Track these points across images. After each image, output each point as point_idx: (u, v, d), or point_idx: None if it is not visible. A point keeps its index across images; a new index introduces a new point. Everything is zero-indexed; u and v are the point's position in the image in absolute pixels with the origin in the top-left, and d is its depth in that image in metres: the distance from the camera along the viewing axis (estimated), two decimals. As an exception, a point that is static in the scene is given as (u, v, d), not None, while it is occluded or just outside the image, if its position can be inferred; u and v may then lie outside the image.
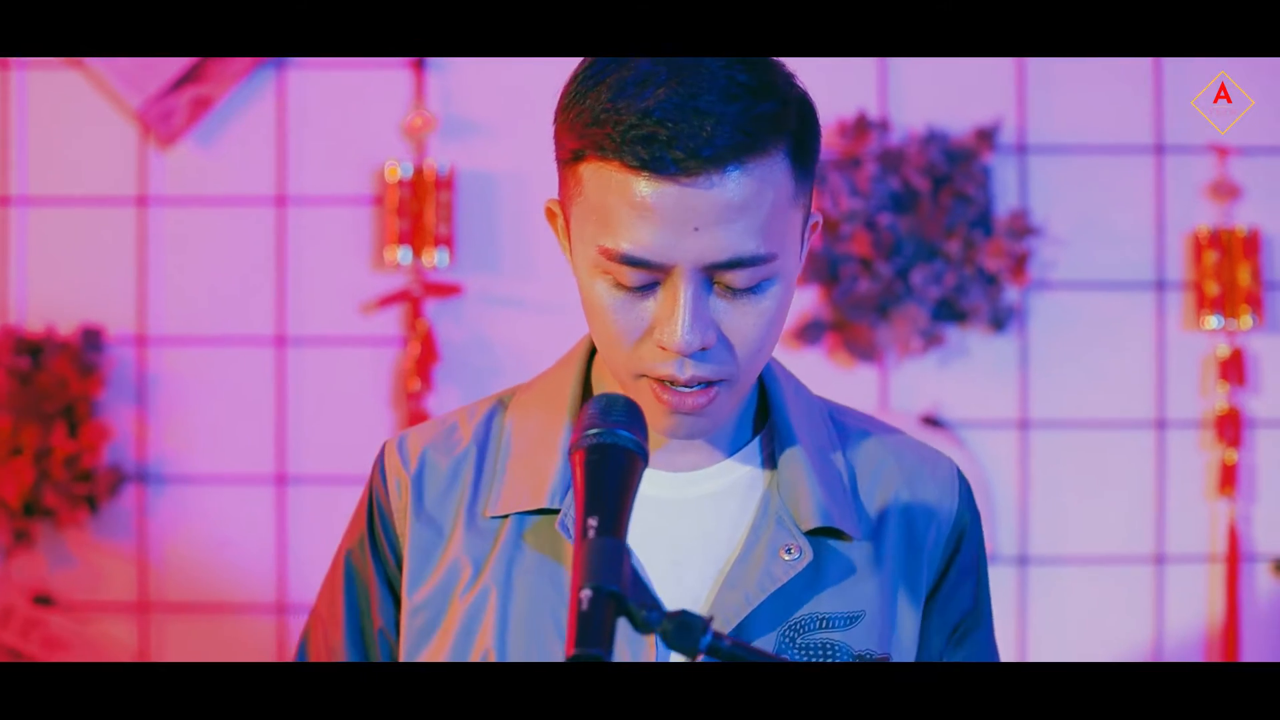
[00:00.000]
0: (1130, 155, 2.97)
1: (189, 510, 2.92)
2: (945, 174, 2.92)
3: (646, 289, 1.42)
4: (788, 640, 1.47)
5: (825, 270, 2.92)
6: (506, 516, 1.52)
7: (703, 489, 1.53)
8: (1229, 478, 2.95)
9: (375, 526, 1.57)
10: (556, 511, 1.51)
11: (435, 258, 2.88)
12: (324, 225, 2.92)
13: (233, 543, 2.91)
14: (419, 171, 2.88)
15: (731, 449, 1.54)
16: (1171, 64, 2.95)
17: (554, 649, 1.48)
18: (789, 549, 1.48)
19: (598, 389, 1.57)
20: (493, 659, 1.48)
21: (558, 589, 1.49)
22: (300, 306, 2.92)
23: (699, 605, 1.48)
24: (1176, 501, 2.98)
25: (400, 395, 2.91)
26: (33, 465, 2.84)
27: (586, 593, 1.19)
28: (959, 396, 2.96)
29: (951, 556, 1.56)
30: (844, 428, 1.59)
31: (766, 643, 1.47)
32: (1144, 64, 2.95)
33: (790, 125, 1.41)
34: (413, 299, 2.89)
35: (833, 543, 1.51)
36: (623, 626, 1.45)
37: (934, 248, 2.92)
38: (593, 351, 1.60)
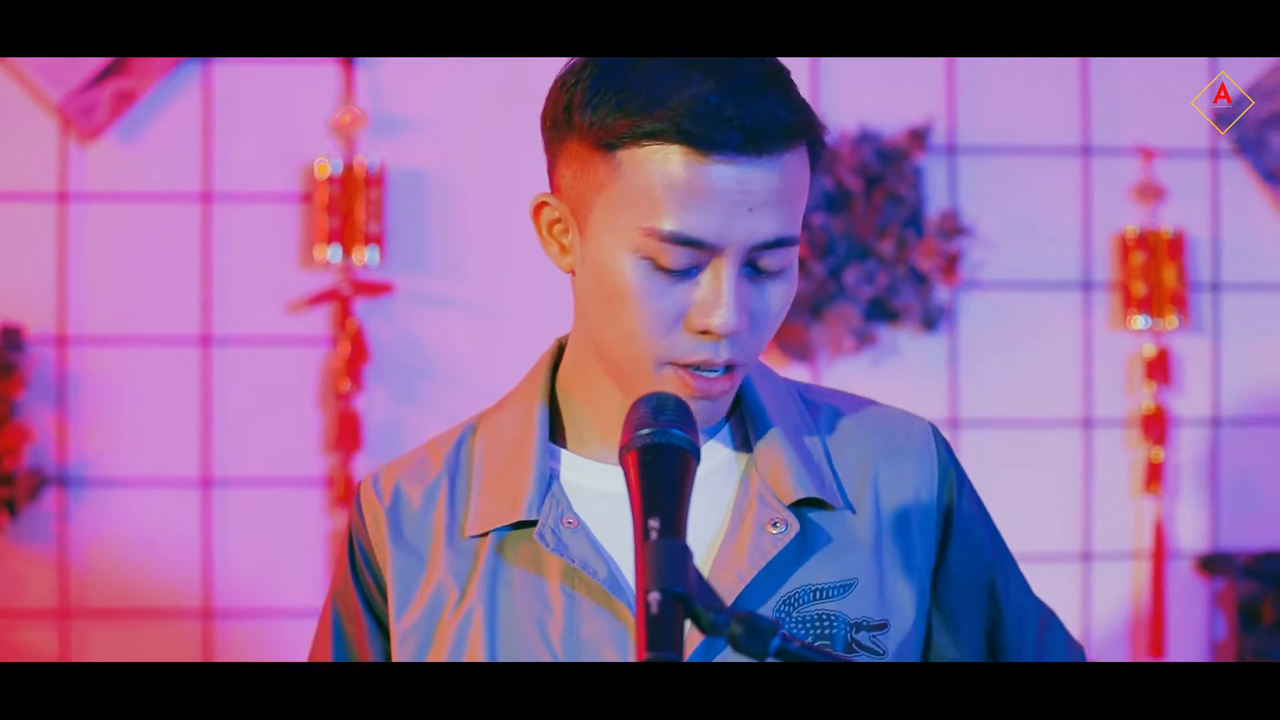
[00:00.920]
0: (1058, 157, 2.99)
1: (112, 514, 2.85)
2: (878, 174, 2.92)
3: (687, 272, 1.42)
4: (784, 614, 1.48)
5: (758, 270, 2.91)
6: (486, 534, 1.52)
7: None
8: (1155, 476, 2.99)
9: (358, 563, 1.57)
10: (534, 523, 1.50)
11: (365, 256, 2.84)
12: (251, 222, 2.87)
13: (157, 547, 2.85)
14: (349, 168, 2.84)
15: (706, 434, 1.54)
16: (1098, 66, 2.98)
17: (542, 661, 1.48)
18: (775, 523, 1.48)
19: (564, 397, 1.57)
20: None
21: (541, 599, 1.49)
22: (227, 305, 2.87)
23: None
24: (1103, 499, 3.01)
25: (329, 396, 2.87)
26: (-51, 468, 2.77)
27: (655, 595, 1.17)
28: (890, 396, 2.91)
29: (949, 510, 1.57)
30: (813, 404, 1.59)
31: None
32: (1071, 66, 2.98)
33: (813, 116, 1.46)
34: (342, 298, 2.85)
35: (816, 514, 1.51)
36: (614, 620, 1.46)
37: (866, 247, 2.92)
38: (556, 365, 1.59)
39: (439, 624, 1.51)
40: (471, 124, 2.89)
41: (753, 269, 1.44)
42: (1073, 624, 2.96)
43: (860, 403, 1.62)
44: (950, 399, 2.97)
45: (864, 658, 1.49)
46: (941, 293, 2.96)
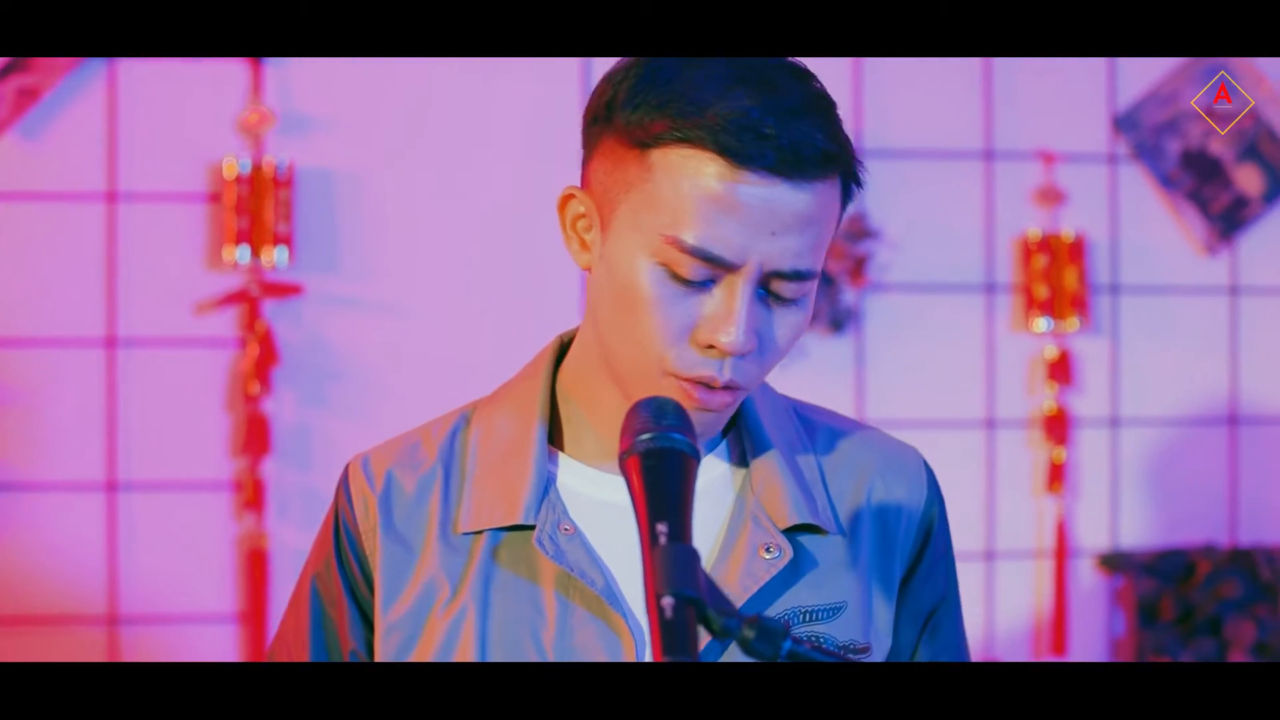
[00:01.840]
0: (961, 160, 3.03)
1: (13, 519, 2.79)
2: (787, 177, 2.94)
3: (702, 285, 1.41)
4: None
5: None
6: (480, 533, 1.50)
7: None
8: (1056, 475, 3.04)
9: (343, 548, 1.55)
10: (530, 527, 1.49)
11: (274, 256, 2.81)
12: (157, 222, 2.82)
13: (60, 552, 2.80)
14: (257, 168, 2.81)
15: (704, 448, 1.53)
16: (1001, 70, 3.02)
17: None
18: (768, 547, 1.49)
19: (564, 399, 1.55)
20: None
21: (535, 606, 1.48)
22: (132, 306, 2.82)
23: None
24: (1006, 499, 3.06)
25: (237, 398, 2.83)
26: None
27: (668, 600, 1.17)
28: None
29: (922, 547, 1.58)
30: (811, 424, 1.60)
31: None
32: (974, 70, 3.02)
33: (852, 150, 1.45)
34: (251, 299, 2.81)
35: (809, 538, 1.52)
36: (607, 629, 1.45)
37: (776, 250, 2.94)
38: (559, 360, 1.58)
39: (428, 620, 1.49)
40: (381, 124, 2.87)
41: (767, 293, 1.43)
42: (976, 622, 3.01)
43: (856, 425, 1.63)
44: (857, 400, 3.00)
45: None
46: (849, 295, 2.99)
